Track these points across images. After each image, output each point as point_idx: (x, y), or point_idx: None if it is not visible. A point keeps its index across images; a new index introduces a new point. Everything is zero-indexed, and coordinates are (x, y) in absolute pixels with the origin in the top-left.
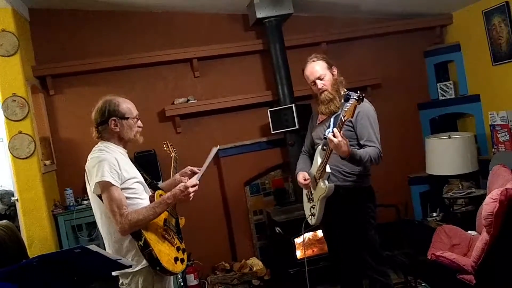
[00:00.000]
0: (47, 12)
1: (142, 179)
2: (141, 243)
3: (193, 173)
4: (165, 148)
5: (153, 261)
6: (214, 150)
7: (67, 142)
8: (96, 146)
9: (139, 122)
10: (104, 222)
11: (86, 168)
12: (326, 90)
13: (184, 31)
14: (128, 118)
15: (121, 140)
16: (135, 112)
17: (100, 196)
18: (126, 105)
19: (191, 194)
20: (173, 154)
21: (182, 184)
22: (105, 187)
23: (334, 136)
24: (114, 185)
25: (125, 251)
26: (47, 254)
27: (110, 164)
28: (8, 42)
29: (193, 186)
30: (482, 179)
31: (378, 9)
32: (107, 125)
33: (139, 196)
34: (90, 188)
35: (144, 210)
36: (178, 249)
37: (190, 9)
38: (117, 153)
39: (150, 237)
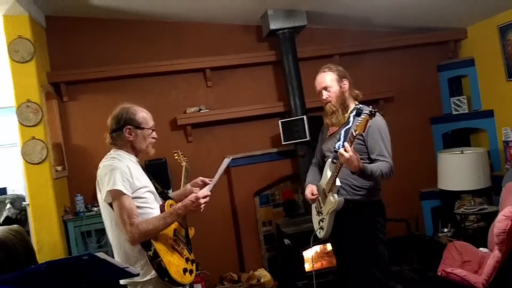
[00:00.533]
0: (63, 19)
1: (153, 188)
2: (150, 253)
3: (205, 184)
4: (176, 157)
5: (162, 272)
6: (226, 161)
7: (79, 149)
8: (108, 153)
9: (154, 133)
10: (114, 231)
11: (97, 176)
12: (330, 101)
13: (198, 41)
14: (143, 128)
15: (134, 149)
16: (151, 123)
17: (111, 204)
18: (143, 115)
19: (202, 205)
20: (184, 163)
21: (194, 195)
22: (116, 195)
23: (345, 150)
24: (125, 194)
25: (134, 261)
26: (55, 260)
27: (122, 172)
28: (24, 49)
29: (205, 197)
30: (494, 195)
31: (391, 22)
32: (122, 133)
33: (149, 205)
34: (101, 196)
35: (155, 220)
36: (187, 260)
37: (204, 19)
38: (129, 162)
39: (160, 247)
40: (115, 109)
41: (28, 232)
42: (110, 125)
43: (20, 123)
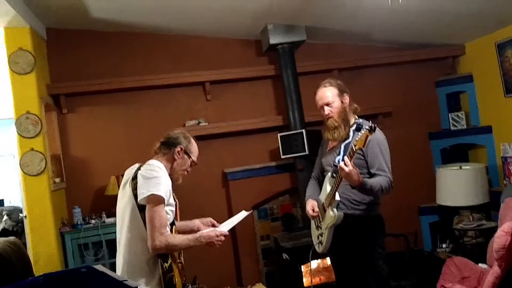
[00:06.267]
0: (64, 32)
1: (174, 210)
2: (166, 265)
3: (212, 225)
4: None
5: (170, 287)
6: (244, 214)
7: (77, 161)
8: (152, 161)
9: (190, 168)
10: (130, 232)
11: (140, 175)
12: (332, 117)
13: (198, 55)
14: (190, 157)
15: (170, 169)
16: (196, 158)
17: (140, 207)
18: (195, 147)
19: (221, 242)
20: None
21: (220, 231)
22: (156, 201)
23: (345, 164)
24: (164, 203)
25: (138, 268)
26: (53, 272)
27: (167, 184)
28: (24, 61)
29: (225, 236)
30: (493, 211)
31: (391, 38)
32: (173, 148)
33: (168, 225)
34: (130, 194)
35: (181, 238)
36: (183, 286)
37: (204, 33)
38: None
39: (172, 264)
40: (174, 130)
41: (24, 244)
42: (167, 137)
43: (19, 135)
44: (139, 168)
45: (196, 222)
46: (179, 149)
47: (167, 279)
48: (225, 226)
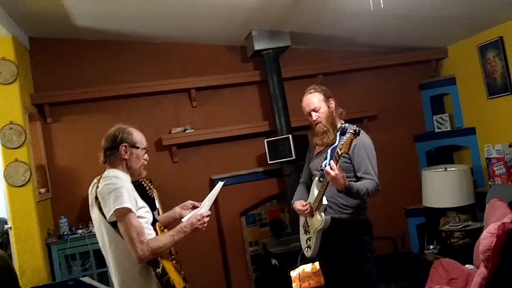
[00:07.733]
0: (47, 41)
1: (149, 209)
2: (159, 270)
3: (194, 207)
4: (145, 185)
5: None
6: (220, 185)
7: (63, 170)
8: (106, 172)
9: (146, 155)
10: (113, 251)
11: (98, 194)
12: (320, 122)
13: (183, 62)
14: (138, 147)
15: (128, 169)
16: (145, 143)
17: (113, 224)
18: (139, 135)
19: (206, 224)
20: (155, 193)
21: (199, 213)
22: (124, 213)
23: (331, 168)
24: (133, 212)
25: (131, 281)
26: (41, 286)
27: (128, 191)
28: (7, 71)
29: (208, 216)
30: (478, 212)
31: (375, 42)
32: (117, 151)
33: (148, 226)
34: (99, 215)
35: (163, 238)
36: (184, 279)
37: (188, 40)
38: (127, 182)
39: (166, 265)
40: (109, 130)
41: (10, 256)
42: (105, 143)
43: (3, 145)
44: (97, 186)
45: (177, 210)
46: (123, 148)
47: (164, 283)
48: (206, 205)
